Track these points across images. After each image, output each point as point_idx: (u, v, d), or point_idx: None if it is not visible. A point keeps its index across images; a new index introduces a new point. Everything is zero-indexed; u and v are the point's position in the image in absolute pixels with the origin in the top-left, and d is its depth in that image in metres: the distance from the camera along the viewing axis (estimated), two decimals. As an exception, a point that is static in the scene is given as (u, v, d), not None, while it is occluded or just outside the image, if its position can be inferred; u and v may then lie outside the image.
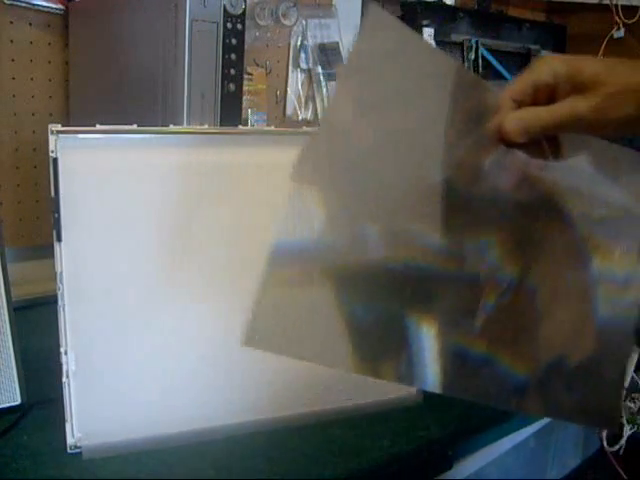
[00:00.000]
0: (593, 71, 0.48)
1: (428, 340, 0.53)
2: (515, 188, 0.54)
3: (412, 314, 0.53)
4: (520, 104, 0.50)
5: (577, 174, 0.55)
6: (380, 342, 0.53)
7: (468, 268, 0.53)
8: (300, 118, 1.32)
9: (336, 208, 0.51)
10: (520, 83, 0.50)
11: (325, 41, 1.31)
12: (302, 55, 1.29)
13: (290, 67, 1.28)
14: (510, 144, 0.51)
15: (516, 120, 0.49)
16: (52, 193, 0.58)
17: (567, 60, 0.49)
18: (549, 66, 0.49)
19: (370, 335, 0.53)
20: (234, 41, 0.81)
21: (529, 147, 0.51)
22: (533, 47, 1.63)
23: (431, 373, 0.53)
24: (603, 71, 0.48)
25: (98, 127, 0.60)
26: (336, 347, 0.53)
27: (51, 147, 0.58)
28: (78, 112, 1.02)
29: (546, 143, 0.51)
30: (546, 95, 0.49)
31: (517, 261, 0.54)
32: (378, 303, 0.52)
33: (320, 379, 0.66)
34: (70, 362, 0.58)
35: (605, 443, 0.76)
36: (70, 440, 0.58)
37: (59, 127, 0.58)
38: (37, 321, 0.73)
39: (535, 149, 0.51)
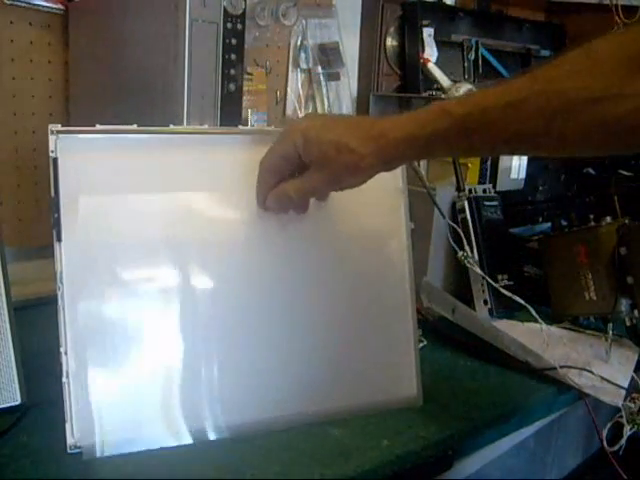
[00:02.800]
0: (320, 153, 0.58)
1: None
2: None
3: None
4: (279, 174, 0.62)
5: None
6: None
7: None
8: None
9: None
10: (271, 159, 0.62)
11: (325, 41, 1.31)
12: (302, 55, 1.29)
13: (290, 67, 1.28)
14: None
15: (273, 199, 0.62)
16: (52, 193, 0.58)
17: (306, 136, 0.58)
18: (291, 140, 0.59)
19: None
20: (234, 41, 0.81)
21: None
22: (533, 47, 1.63)
23: None
24: (329, 152, 0.57)
25: (98, 127, 0.60)
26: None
27: (51, 147, 0.58)
28: (78, 112, 1.02)
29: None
30: (297, 161, 0.60)
31: None
32: None
33: (320, 379, 0.66)
34: (70, 362, 0.58)
35: (605, 443, 0.76)
36: (70, 440, 0.58)
37: (59, 127, 0.58)
38: (37, 321, 0.73)
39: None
